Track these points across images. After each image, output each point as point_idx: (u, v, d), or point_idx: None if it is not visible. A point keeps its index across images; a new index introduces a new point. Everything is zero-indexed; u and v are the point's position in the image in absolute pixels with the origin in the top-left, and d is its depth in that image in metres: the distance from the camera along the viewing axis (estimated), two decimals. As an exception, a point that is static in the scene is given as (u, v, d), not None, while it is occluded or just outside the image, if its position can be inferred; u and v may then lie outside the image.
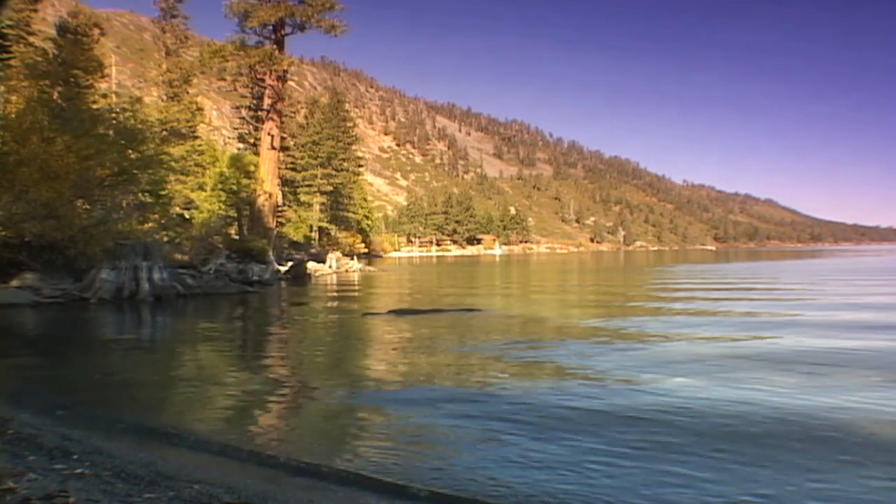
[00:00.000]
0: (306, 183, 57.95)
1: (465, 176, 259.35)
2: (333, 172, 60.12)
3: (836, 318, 12.52)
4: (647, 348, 9.13)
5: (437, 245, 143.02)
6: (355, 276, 35.58)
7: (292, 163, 54.90)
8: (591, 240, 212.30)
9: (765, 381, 6.73)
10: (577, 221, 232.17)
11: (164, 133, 27.50)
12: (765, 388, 6.39)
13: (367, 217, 77.67)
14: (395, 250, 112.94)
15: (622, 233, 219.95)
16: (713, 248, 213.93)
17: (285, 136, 42.59)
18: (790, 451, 4.56)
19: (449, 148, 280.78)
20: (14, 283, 17.18)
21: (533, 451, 4.60)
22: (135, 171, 19.40)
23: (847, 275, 32.43)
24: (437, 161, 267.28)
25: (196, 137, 33.80)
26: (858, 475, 4.09)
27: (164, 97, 32.93)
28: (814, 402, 5.83)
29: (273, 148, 34.84)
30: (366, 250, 73.20)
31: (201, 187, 31.51)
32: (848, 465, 4.24)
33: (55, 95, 22.09)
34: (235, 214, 34.26)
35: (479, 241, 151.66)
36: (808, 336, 9.98)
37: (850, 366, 7.56)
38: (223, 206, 32.16)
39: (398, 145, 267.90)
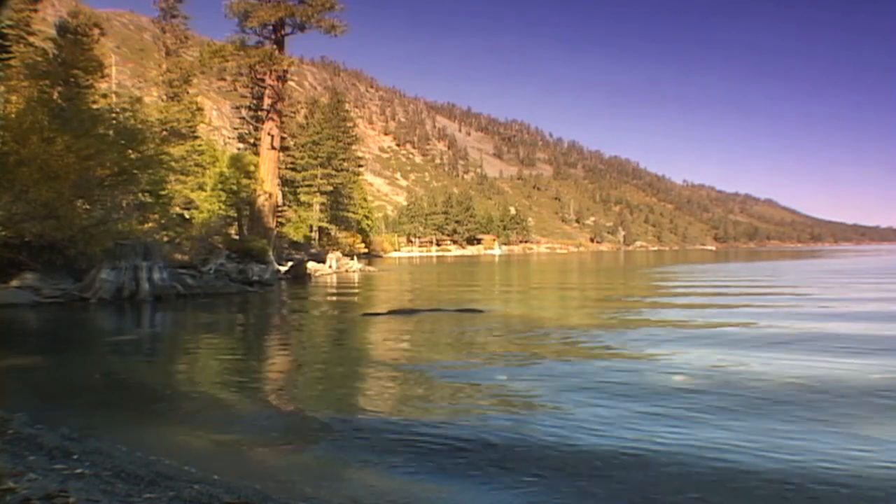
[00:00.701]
0: (306, 183, 57.95)
1: (465, 176, 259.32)
2: (333, 172, 60.12)
3: (834, 331, 11.17)
4: (634, 370, 7.95)
5: (437, 245, 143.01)
6: (355, 276, 35.59)
7: (292, 163, 54.89)
8: (591, 240, 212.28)
9: (747, 421, 5.68)
10: (577, 221, 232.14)
11: (164, 133, 27.51)
12: (747, 431, 5.37)
13: (367, 217, 77.67)
14: (395, 250, 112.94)
15: (622, 233, 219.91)
16: (713, 248, 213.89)
17: (285, 136, 42.60)
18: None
19: (449, 148, 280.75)
20: (14, 283, 17.18)
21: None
22: (135, 171, 19.40)
23: (848, 277, 32.22)
24: (437, 161, 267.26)
25: (196, 137, 33.79)
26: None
27: (164, 97, 32.92)
28: (801, 452, 4.82)
29: (273, 148, 34.84)
30: (366, 250, 73.20)
31: (201, 187, 31.51)
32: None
33: (55, 95, 22.08)
34: (235, 214, 34.26)
35: (479, 241, 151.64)
36: (802, 358, 8.67)
37: (841, 405, 6.19)
38: (223, 206, 32.16)
39: (398, 145, 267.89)
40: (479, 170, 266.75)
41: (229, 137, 70.38)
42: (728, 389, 6.77)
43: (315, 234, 57.96)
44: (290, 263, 32.84)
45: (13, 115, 17.56)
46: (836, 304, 16.69)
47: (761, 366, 8.06)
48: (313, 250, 47.98)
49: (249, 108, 45.34)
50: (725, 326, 12.13)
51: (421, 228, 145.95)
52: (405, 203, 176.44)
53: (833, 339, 10.38)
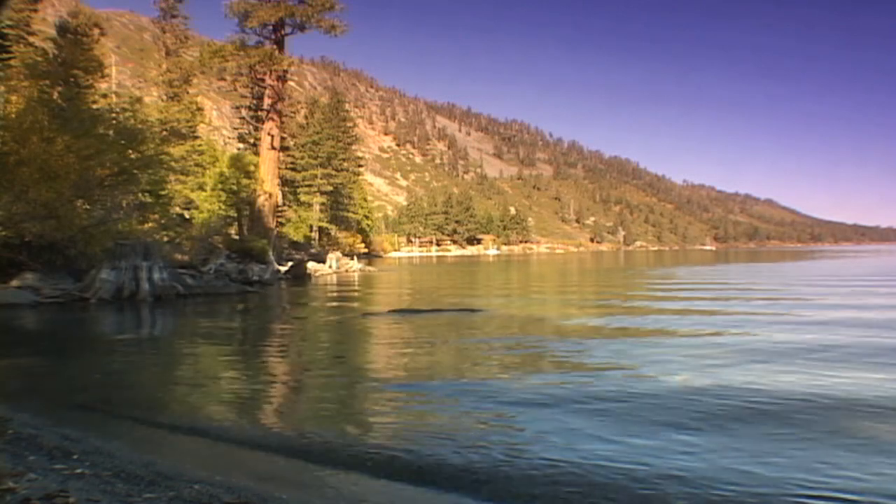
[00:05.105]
0: (306, 183, 57.95)
1: (465, 176, 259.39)
2: (333, 172, 60.13)
3: (836, 342, 10.10)
4: (627, 383, 7.21)
5: (437, 245, 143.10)
6: (355, 276, 35.59)
7: (292, 163, 54.90)
8: (591, 240, 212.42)
9: (740, 439, 5.20)
10: (577, 221, 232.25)
11: (164, 133, 27.50)
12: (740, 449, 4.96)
13: (367, 217, 77.68)
14: (395, 250, 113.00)
15: (622, 233, 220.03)
16: (713, 248, 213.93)
17: (285, 136, 42.59)
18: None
19: (449, 148, 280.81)
20: (14, 283, 17.18)
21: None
22: (135, 171, 19.40)
23: (850, 281, 31.83)
24: (437, 161, 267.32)
25: (196, 137, 33.79)
26: None
27: (164, 97, 32.92)
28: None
29: (273, 148, 34.85)
30: (366, 250, 73.20)
31: (201, 187, 31.51)
32: None
33: (55, 95, 22.09)
34: (235, 214, 34.26)
35: (479, 242, 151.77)
36: (802, 370, 7.90)
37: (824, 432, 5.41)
38: (223, 206, 32.16)
39: (398, 145, 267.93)
40: (479, 170, 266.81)
41: (229, 137, 70.39)
42: (728, 407, 6.14)
43: (315, 234, 57.97)
44: (290, 263, 32.85)
45: (13, 115, 17.56)
46: (839, 311, 15.12)
47: (759, 378, 7.44)
48: (313, 250, 47.99)
49: (249, 108, 45.33)
50: (727, 335, 11.07)
51: (421, 228, 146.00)
52: (405, 203, 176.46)
53: (836, 350, 9.37)
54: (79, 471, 3.74)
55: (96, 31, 26.27)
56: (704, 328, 12.05)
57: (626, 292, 23.24)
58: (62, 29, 24.85)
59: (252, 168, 34.75)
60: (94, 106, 22.93)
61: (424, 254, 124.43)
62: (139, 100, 27.41)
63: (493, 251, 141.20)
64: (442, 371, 8.20)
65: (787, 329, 11.88)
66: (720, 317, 14.44)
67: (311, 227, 57.68)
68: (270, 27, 33.47)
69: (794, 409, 6.12)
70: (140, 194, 22.59)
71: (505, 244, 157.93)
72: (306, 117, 62.09)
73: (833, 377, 7.54)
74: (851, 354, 9.11)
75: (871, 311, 15.24)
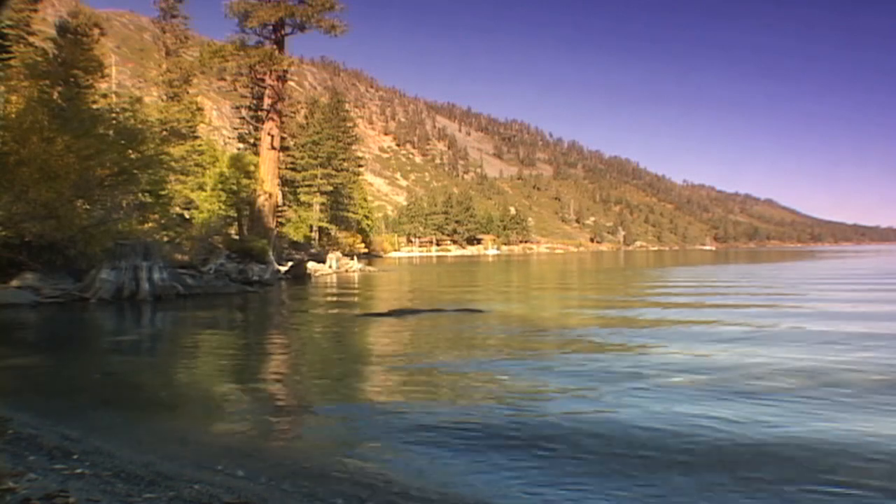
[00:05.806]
0: (306, 183, 57.94)
1: (465, 176, 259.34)
2: (333, 172, 60.12)
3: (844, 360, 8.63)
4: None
5: (437, 245, 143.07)
6: (355, 276, 35.59)
7: (292, 163, 54.88)
8: (591, 240, 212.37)
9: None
10: (577, 221, 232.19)
11: (164, 133, 27.48)
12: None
13: (367, 217, 77.64)
14: (395, 250, 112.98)
15: (622, 233, 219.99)
16: (713, 248, 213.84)
17: (285, 136, 42.57)
18: None
19: (449, 148, 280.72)
20: (14, 283, 17.18)
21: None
22: (135, 171, 19.40)
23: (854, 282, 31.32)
24: (437, 161, 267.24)
25: (196, 137, 33.78)
26: None
27: (164, 97, 32.92)
28: None
29: (273, 148, 34.84)
30: (366, 250, 73.18)
31: (201, 187, 31.50)
32: None
33: (55, 95, 22.09)
34: (235, 214, 34.25)
35: (479, 242, 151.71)
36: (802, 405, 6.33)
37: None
38: (223, 206, 32.15)
39: (398, 145, 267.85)
40: (479, 170, 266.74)
41: (229, 137, 70.40)
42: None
43: (315, 234, 57.95)
44: (290, 263, 32.85)
45: (13, 115, 17.56)
46: (858, 322, 13.26)
47: (745, 415, 5.97)
48: (313, 250, 47.99)
49: (249, 108, 45.32)
50: (736, 352, 9.41)
51: (421, 228, 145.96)
52: (405, 203, 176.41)
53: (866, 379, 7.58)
54: (79, 471, 3.74)
55: (96, 31, 26.27)
56: (711, 346, 10.02)
57: (627, 297, 22.99)
58: (62, 29, 24.85)
59: (252, 168, 34.75)
60: (94, 106, 22.92)
61: (424, 254, 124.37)
62: (139, 100, 27.40)
63: (492, 251, 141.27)
64: (439, 394, 7.33)
65: (809, 346, 10.06)
66: (726, 327, 12.61)
67: (311, 227, 57.67)
68: (270, 27, 33.47)
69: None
70: (140, 194, 22.58)
71: (505, 244, 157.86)
72: (306, 117, 62.06)
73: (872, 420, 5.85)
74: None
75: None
